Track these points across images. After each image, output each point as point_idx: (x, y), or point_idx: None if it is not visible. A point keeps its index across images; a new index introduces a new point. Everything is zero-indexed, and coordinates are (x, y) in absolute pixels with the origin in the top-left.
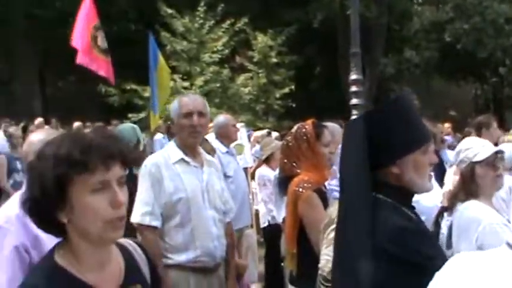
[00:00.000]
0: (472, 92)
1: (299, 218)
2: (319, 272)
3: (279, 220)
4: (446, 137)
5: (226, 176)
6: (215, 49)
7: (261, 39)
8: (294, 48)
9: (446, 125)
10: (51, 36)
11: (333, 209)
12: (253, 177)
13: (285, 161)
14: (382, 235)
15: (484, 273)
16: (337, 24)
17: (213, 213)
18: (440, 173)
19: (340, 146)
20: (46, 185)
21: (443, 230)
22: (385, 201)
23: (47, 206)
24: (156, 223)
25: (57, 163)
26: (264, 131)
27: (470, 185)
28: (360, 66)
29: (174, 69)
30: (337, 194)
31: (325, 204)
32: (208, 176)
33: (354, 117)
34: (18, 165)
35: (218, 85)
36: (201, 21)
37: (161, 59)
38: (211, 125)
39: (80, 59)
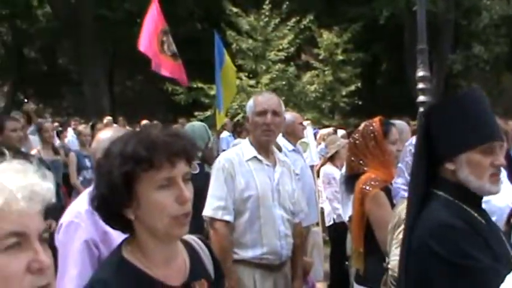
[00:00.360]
0: None
1: (366, 216)
2: (390, 272)
3: (345, 218)
4: None
5: None
6: (281, 47)
7: (327, 37)
8: (359, 45)
9: None
10: (119, 36)
11: (402, 209)
12: (318, 175)
13: (352, 158)
14: (425, 229)
15: None
16: (403, 20)
17: (281, 213)
18: None
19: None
20: (113, 183)
21: None
22: (439, 196)
23: (114, 202)
24: (229, 217)
25: (124, 161)
26: (330, 129)
27: None
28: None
29: (240, 68)
30: (403, 193)
31: (393, 202)
32: (280, 176)
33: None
34: (88, 163)
35: (284, 83)
36: (267, 19)
37: (227, 57)
38: None
39: (154, 66)
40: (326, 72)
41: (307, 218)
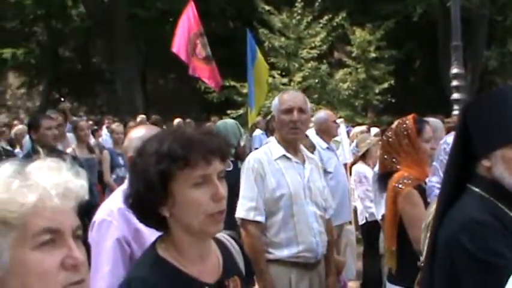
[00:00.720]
0: None
1: (398, 214)
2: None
3: (378, 217)
4: None
5: (326, 172)
6: (313, 45)
7: (359, 34)
8: (393, 43)
9: None
10: (152, 35)
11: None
12: (350, 174)
13: (385, 156)
14: (456, 223)
15: None
16: (437, 16)
17: (314, 209)
18: None
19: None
20: (149, 181)
21: None
22: (474, 191)
23: (149, 200)
24: (260, 218)
25: (160, 159)
26: (364, 127)
27: None
28: (461, 59)
29: (272, 66)
30: (438, 192)
31: (426, 201)
32: (310, 172)
33: (455, 112)
34: (121, 161)
35: (317, 81)
36: (299, 17)
37: (259, 55)
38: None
39: (191, 71)
40: (359, 70)
41: (340, 216)
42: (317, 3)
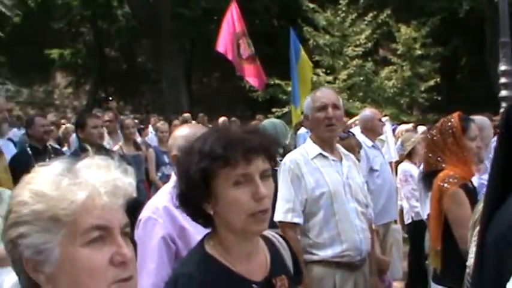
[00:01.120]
0: None
1: (444, 214)
2: (468, 270)
3: (424, 216)
4: None
5: (372, 170)
6: (358, 42)
7: (405, 31)
8: (439, 40)
9: None
10: (196, 34)
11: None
12: (396, 172)
13: (430, 155)
14: (505, 220)
15: None
16: (484, 12)
17: (355, 206)
18: None
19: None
20: (192, 179)
21: None
22: None
23: (193, 198)
24: (298, 220)
25: (202, 158)
26: (410, 125)
27: None
28: (510, 56)
29: (317, 64)
30: None
31: (472, 200)
32: (348, 169)
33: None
34: (166, 159)
35: (362, 78)
36: (343, 14)
37: (303, 53)
38: (356, 118)
39: (238, 71)
40: (404, 68)
41: (387, 214)
42: (362, 1)
